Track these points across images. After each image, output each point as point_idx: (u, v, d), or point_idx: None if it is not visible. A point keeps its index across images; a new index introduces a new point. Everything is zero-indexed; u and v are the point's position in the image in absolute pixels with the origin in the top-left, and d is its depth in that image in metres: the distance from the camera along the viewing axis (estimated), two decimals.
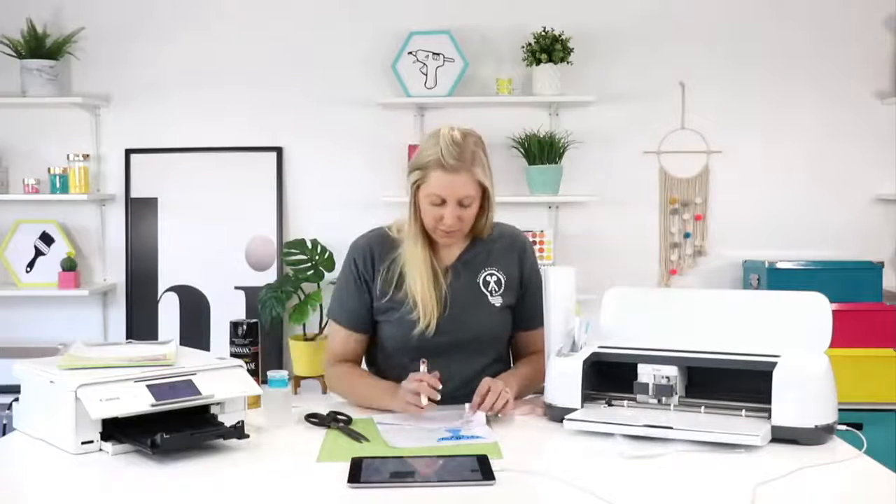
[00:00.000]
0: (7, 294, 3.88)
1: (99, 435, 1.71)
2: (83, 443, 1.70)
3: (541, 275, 2.21)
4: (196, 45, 3.96)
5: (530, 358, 2.19)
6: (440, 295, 2.10)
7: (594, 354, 1.96)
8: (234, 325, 2.17)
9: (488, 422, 1.92)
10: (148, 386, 1.73)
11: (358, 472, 1.57)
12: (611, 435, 1.79)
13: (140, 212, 3.99)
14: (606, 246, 3.95)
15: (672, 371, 1.88)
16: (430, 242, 2.12)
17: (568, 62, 3.78)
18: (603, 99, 3.87)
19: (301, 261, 3.75)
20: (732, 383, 1.88)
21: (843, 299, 3.41)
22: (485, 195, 2.08)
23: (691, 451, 1.70)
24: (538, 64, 3.77)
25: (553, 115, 3.93)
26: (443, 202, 2.02)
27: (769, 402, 1.75)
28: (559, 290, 2.07)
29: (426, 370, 1.95)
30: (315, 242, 3.79)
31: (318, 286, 3.77)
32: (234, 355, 2.13)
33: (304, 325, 3.71)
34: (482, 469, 1.57)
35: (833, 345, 1.85)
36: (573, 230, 3.96)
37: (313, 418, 1.95)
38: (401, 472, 1.58)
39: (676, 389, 1.88)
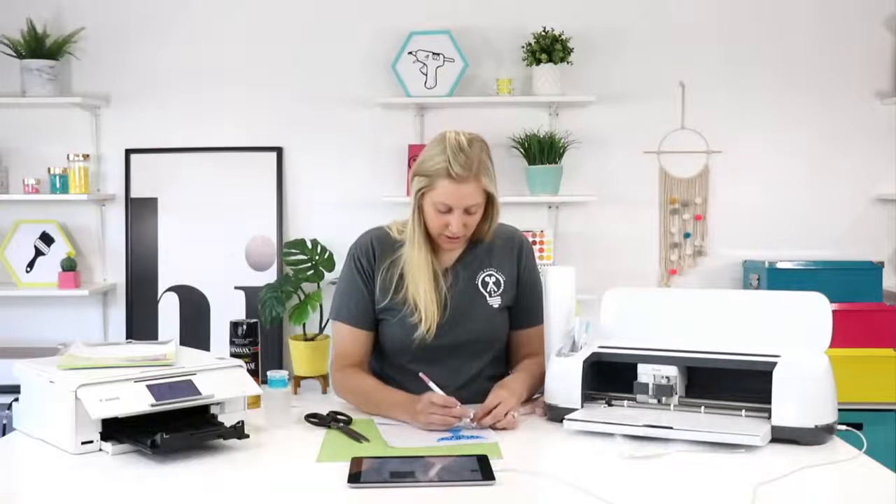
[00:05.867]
0: (7, 294, 3.88)
1: (99, 435, 1.71)
2: (83, 443, 1.70)
3: (539, 274, 2.22)
4: (196, 45, 3.96)
5: (527, 364, 2.15)
6: (440, 298, 2.09)
7: (594, 354, 1.96)
8: (234, 325, 2.17)
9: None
10: (148, 386, 1.73)
11: (358, 472, 1.57)
12: (611, 435, 1.79)
13: (140, 212, 3.99)
14: (606, 246, 3.95)
15: (672, 371, 1.88)
16: (431, 244, 2.12)
17: (568, 62, 3.78)
18: (603, 99, 3.87)
19: (301, 261, 3.75)
20: (732, 383, 1.89)
21: (843, 299, 3.41)
22: (490, 201, 2.08)
23: (691, 451, 1.71)
24: (538, 64, 3.76)
25: (553, 115, 3.93)
26: (449, 210, 2.02)
27: (769, 402, 1.75)
28: (559, 290, 2.07)
29: (436, 387, 1.94)
30: (315, 242, 3.79)
31: (318, 286, 3.76)
32: (234, 355, 2.13)
33: (304, 325, 3.71)
34: (482, 469, 1.57)
35: (833, 345, 1.85)
36: (573, 230, 3.96)
37: (313, 418, 1.95)
38: (401, 472, 1.58)
39: (676, 389, 1.88)
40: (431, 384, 1.95)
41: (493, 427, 1.88)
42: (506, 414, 1.88)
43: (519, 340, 2.21)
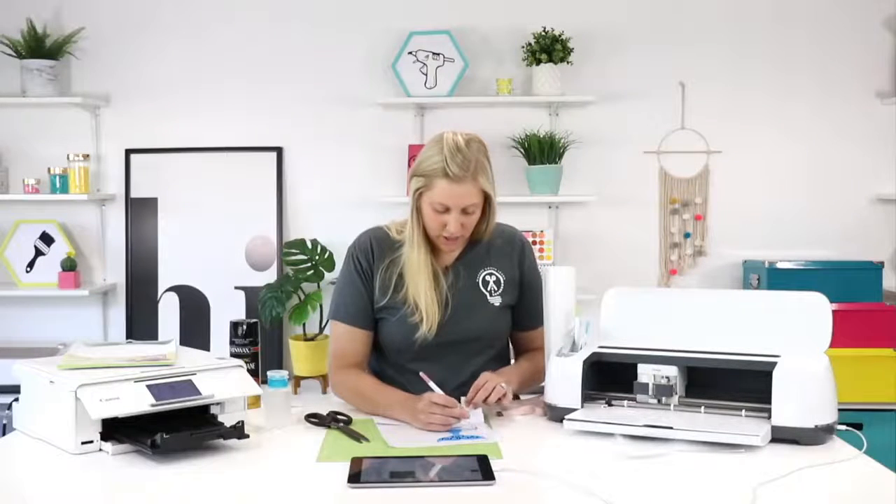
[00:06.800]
0: (7, 294, 3.88)
1: (99, 435, 1.71)
2: (83, 443, 1.70)
3: (540, 274, 2.22)
4: (196, 45, 3.96)
5: (531, 354, 2.20)
6: (441, 297, 2.10)
7: (594, 354, 1.96)
8: (234, 325, 2.17)
9: (486, 420, 1.93)
10: (148, 386, 1.73)
11: (358, 472, 1.57)
12: (611, 435, 1.79)
13: (140, 212, 3.99)
14: (606, 246, 3.95)
15: (672, 371, 1.88)
16: (430, 243, 2.12)
17: (568, 62, 3.78)
18: (603, 99, 3.87)
19: (301, 261, 3.75)
20: (732, 383, 1.89)
21: (843, 299, 3.41)
22: (487, 201, 2.09)
23: (691, 451, 1.71)
24: (538, 64, 3.77)
25: (553, 115, 3.93)
26: (446, 210, 2.03)
27: (769, 402, 1.75)
28: (559, 290, 2.07)
29: (436, 387, 1.95)
30: (315, 242, 3.79)
31: (318, 286, 3.77)
32: (234, 355, 2.13)
33: (304, 325, 3.71)
34: (482, 469, 1.57)
35: (833, 345, 1.85)
36: (573, 230, 3.96)
37: (313, 418, 1.95)
38: (401, 472, 1.58)
39: (676, 389, 1.88)
40: (432, 384, 1.96)
41: (485, 403, 1.91)
42: (493, 389, 1.92)
43: (524, 341, 2.23)
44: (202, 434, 1.73)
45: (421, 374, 2.00)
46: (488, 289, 2.15)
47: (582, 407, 1.90)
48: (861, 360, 3.42)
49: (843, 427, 1.78)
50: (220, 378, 1.82)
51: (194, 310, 3.96)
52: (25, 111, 3.97)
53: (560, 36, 3.77)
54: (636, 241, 3.97)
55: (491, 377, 1.97)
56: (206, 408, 1.81)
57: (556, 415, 1.91)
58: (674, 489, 1.54)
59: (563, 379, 1.92)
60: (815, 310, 1.90)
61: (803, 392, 1.74)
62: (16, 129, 3.97)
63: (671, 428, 1.75)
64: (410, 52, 3.83)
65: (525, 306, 2.19)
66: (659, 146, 3.96)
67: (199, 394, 1.77)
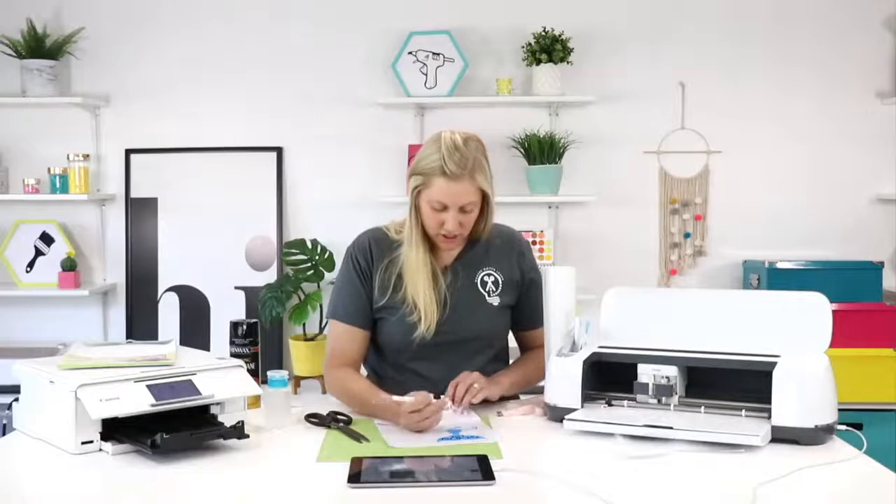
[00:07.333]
0: (7, 294, 3.88)
1: (99, 435, 1.71)
2: (83, 443, 1.70)
3: (541, 274, 2.22)
4: (196, 46, 3.96)
5: (531, 352, 2.21)
6: (439, 296, 2.10)
7: (594, 354, 1.96)
8: (234, 325, 2.17)
9: (485, 420, 1.92)
10: (148, 386, 1.73)
11: (358, 472, 1.57)
12: (611, 435, 1.79)
13: (140, 212, 3.99)
14: (606, 246, 3.95)
15: (672, 371, 1.88)
16: (429, 243, 2.12)
17: (568, 62, 3.78)
18: (603, 99, 3.87)
19: (301, 261, 3.75)
20: (732, 383, 1.89)
21: (843, 299, 3.40)
22: (485, 200, 2.09)
23: (691, 451, 1.71)
24: (538, 64, 3.77)
25: (553, 115, 3.93)
26: (444, 208, 2.03)
27: (769, 402, 1.75)
28: (559, 289, 2.07)
29: (401, 397, 1.94)
30: (315, 242, 3.79)
31: (318, 286, 3.77)
32: (234, 355, 2.13)
33: (304, 325, 3.71)
34: (482, 469, 1.57)
35: (833, 345, 1.85)
36: (573, 230, 3.96)
37: (313, 418, 1.95)
38: (401, 472, 1.58)
39: (676, 389, 1.88)
40: (395, 397, 1.94)
41: (460, 404, 1.94)
42: (467, 389, 1.95)
43: (524, 341, 2.24)
44: (202, 434, 1.73)
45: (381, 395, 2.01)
46: (487, 289, 2.15)
47: (582, 407, 1.90)
48: (861, 360, 3.42)
49: (843, 427, 1.78)
50: (220, 378, 1.82)
51: (194, 310, 3.96)
52: (25, 111, 3.97)
53: (560, 36, 3.77)
54: (636, 241, 3.97)
55: (463, 377, 1.99)
56: (206, 408, 1.81)
57: (556, 415, 1.91)
58: (674, 489, 1.54)
59: (563, 379, 1.92)
60: (815, 310, 1.90)
61: (803, 392, 1.74)
62: (16, 129, 3.97)
63: (671, 428, 1.75)
64: (410, 52, 3.83)
65: (527, 307, 2.20)
66: (659, 146, 3.96)
67: (199, 394, 1.77)
